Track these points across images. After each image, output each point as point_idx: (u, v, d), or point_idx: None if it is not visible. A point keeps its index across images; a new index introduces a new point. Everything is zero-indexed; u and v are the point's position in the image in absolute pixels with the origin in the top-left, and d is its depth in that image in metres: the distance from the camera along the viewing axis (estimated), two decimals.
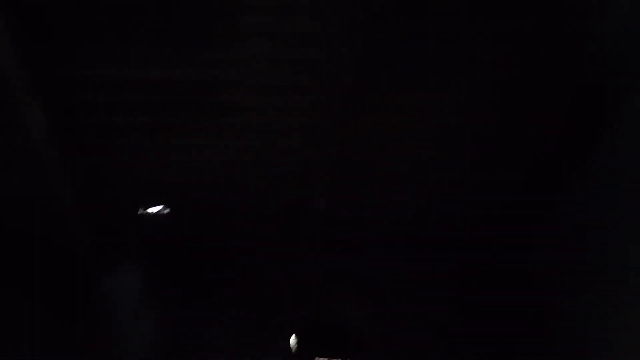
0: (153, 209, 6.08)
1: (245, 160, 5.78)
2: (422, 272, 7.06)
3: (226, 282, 6.76)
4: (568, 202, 6.29)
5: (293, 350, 6.31)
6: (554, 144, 5.90)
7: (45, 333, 6.16)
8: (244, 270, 6.87)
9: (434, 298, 6.83)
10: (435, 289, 6.91)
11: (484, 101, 5.39)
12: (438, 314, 6.74)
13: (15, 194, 5.72)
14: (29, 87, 4.60)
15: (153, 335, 6.29)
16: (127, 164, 5.60)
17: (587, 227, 5.91)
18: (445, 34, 4.74)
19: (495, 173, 6.32)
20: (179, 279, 6.72)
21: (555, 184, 6.39)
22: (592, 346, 5.75)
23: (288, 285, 6.79)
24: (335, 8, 4.44)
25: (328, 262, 7.00)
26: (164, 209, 6.09)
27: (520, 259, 7.23)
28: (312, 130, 5.54)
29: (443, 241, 7.26)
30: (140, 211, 6.08)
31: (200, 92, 5.01)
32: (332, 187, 6.22)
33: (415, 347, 6.52)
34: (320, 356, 6.41)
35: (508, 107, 5.48)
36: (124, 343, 6.21)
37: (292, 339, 6.38)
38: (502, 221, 7.02)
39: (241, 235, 6.90)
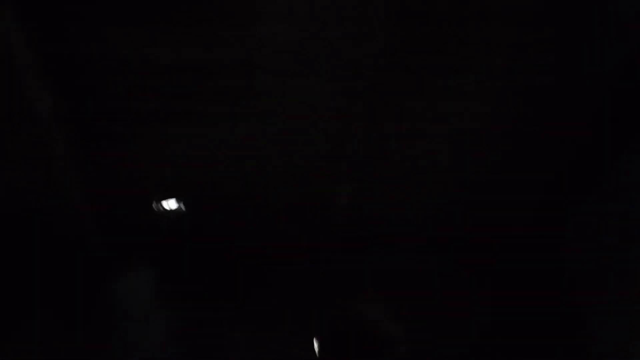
0: (166, 204, 5.74)
1: (264, 151, 5.44)
2: (451, 272, 6.71)
3: (243, 281, 6.43)
4: (603, 200, 6.05)
5: (315, 354, 5.97)
6: (588, 140, 5.66)
7: (51, 334, 5.88)
8: (262, 268, 6.54)
9: (463, 299, 6.48)
10: (464, 290, 6.57)
11: (513, 98, 5.07)
12: (468, 316, 6.40)
13: (21, 187, 5.40)
14: (35, 70, 4.29)
15: (166, 337, 5.98)
16: (139, 155, 5.27)
17: (625, 225, 5.66)
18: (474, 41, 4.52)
19: (527, 170, 6.01)
20: (193, 277, 6.40)
21: (588, 181, 6.14)
22: (632, 346, 5.50)
23: (309, 285, 6.46)
24: None
25: (351, 261, 6.66)
26: (178, 203, 5.75)
27: (553, 258, 6.90)
28: (336, 118, 5.20)
29: (472, 240, 6.92)
30: (153, 206, 5.75)
31: (218, 76, 4.67)
32: (356, 181, 5.86)
33: (443, 350, 6.18)
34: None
35: (539, 106, 5.17)
36: (136, 345, 5.89)
37: (314, 342, 6.04)
38: (535, 220, 6.72)
39: (259, 232, 6.57)
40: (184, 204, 5.84)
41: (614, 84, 5.05)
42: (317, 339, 5.76)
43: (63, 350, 5.77)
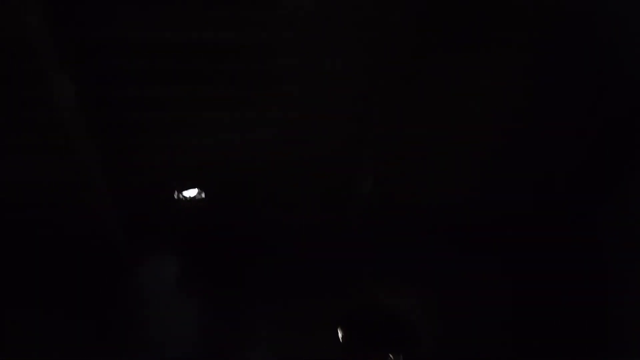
0: (187, 193, 5.66)
1: (286, 137, 5.35)
2: (478, 262, 6.56)
3: (266, 272, 6.33)
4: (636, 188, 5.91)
5: (341, 346, 5.85)
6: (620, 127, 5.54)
7: (72, 328, 5.80)
8: (285, 259, 6.44)
9: (491, 290, 6.34)
10: (492, 281, 6.42)
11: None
12: (496, 307, 6.25)
13: (41, 177, 5.33)
14: (54, 55, 4.22)
15: (189, 330, 5.88)
16: (158, 142, 5.20)
17: None
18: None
19: (552, 155, 5.88)
20: (215, 268, 6.30)
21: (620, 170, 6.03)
22: None
23: (333, 276, 6.35)
24: None
25: (376, 250, 6.54)
26: (199, 193, 5.67)
27: (586, 247, 6.69)
28: (360, 101, 5.11)
29: (500, 229, 6.75)
30: (174, 195, 5.68)
31: (238, 59, 4.60)
32: (379, 167, 5.76)
33: (472, 342, 6.04)
34: (370, 352, 5.96)
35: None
36: (158, 338, 5.81)
37: (340, 334, 5.93)
38: (566, 207, 6.55)
39: (282, 221, 6.45)
40: (204, 193, 5.76)
41: None
42: (342, 330, 5.62)
43: (81, 345, 5.72)
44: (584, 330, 6.27)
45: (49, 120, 4.77)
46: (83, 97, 4.55)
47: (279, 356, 5.82)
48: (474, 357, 5.93)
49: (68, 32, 4.19)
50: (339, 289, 6.23)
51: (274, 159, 5.57)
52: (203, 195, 5.73)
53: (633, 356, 5.64)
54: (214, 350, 5.85)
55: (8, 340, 5.71)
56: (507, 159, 5.89)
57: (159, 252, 6.27)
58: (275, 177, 5.79)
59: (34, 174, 5.26)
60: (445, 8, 4.46)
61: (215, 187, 5.77)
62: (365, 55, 4.71)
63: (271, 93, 4.91)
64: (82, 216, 5.84)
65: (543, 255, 6.66)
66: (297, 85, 4.89)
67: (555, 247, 6.70)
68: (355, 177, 5.82)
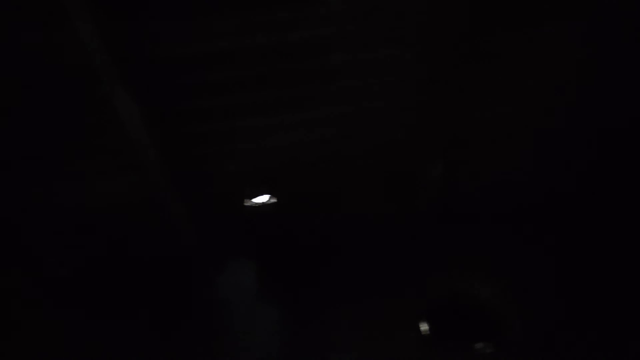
0: (258, 199, 5.67)
1: (347, 131, 5.25)
2: (541, 241, 6.26)
3: (342, 268, 6.25)
4: None
5: (424, 337, 5.75)
6: None
7: (154, 339, 5.93)
8: (359, 254, 6.35)
9: (568, 274, 6.03)
10: (568, 264, 6.10)
11: None
12: (575, 291, 5.92)
13: (117, 193, 5.45)
14: (116, 77, 4.28)
15: (271, 336, 5.89)
16: (224, 150, 5.20)
17: None
18: None
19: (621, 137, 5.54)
20: (291, 270, 6.29)
21: None
22: None
23: (409, 267, 6.23)
24: None
25: (448, 237, 6.36)
26: (269, 197, 5.68)
27: None
28: (418, 88, 4.93)
29: (573, 210, 6.42)
30: (244, 202, 5.72)
31: (290, 59, 4.51)
32: (446, 152, 5.56)
33: (554, 326, 5.75)
34: (454, 340, 5.85)
35: None
36: (243, 344, 5.85)
37: (423, 325, 5.83)
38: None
39: (353, 217, 6.34)
40: (274, 197, 5.78)
41: None
42: (425, 322, 5.45)
43: (160, 351, 5.87)
44: None
45: (118, 142, 4.86)
46: (148, 115, 4.61)
47: (362, 356, 5.76)
48: (556, 341, 5.67)
49: (126, 51, 4.23)
50: (416, 279, 6.11)
51: (340, 154, 5.48)
52: (273, 199, 5.73)
53: None
54: (298, 352, 5.87)
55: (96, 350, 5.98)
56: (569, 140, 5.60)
57: (235, 258, 6.36)
58: (342, 173, 5.72)
59: (110, 190, 5.39)
60: None
61: (283, 189, 5.76)
62: (421, 42, 4.53)
63: (329, 89, 4.82)
64: (157, 230, 5.98)
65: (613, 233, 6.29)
66: (353, 77, 4.77)
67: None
68: (424, 166, 5.67)
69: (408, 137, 5.38)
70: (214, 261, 6.36)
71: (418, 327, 5.77)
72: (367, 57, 4.60)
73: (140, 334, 5.96)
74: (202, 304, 6.12)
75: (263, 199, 5.69)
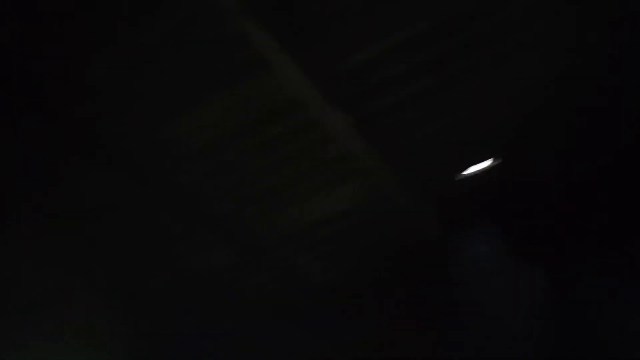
0: (477, 166, 5.40)
1: None
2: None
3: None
4: None
5: None
6: None
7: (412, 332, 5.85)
8: None
9: None
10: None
11: None
12: None
13: (352, 199, 5.68)
14: (317, 96, 4.47)
15: (528, 312, 5.29)
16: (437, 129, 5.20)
17: None
18: None
19: None
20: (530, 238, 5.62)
21: None
22: None
23: None
24: None
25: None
26: (489, 163, 5.33)
27: None
28: None
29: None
30: (462, 174, 5.54)
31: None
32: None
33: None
34: None
35: None
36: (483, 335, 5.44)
37: None
38: None
39: None
40: (495, 160, 5.46)
41: None
42: None
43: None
44: None
45: (335, 155, 5.11)
46: (357, 125, 4.77)
47: None
48: None
49: (322, 72, 4.39)
50: None
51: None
52: (495, 162, 5.39)
53: None
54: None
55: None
56: None
57: (475, 236, 5.89)
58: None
59: (347, 198, 5.68)
60: None
61: (502, 149, 5.42)
62: None
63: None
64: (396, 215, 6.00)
65: None
66: None
67: None
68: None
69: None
70: (456, 244, 6.04)
71: None
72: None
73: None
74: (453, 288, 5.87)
75: (485, 165, 5.40)
